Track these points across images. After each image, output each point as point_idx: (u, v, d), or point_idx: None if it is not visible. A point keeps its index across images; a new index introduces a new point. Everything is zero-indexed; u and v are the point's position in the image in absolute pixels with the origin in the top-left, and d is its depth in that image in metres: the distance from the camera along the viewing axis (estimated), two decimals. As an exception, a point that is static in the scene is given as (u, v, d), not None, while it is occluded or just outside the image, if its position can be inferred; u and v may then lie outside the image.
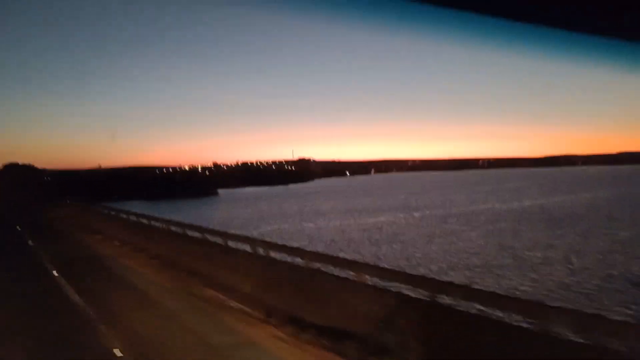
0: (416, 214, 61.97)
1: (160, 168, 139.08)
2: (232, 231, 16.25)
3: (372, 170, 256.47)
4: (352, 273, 7.85)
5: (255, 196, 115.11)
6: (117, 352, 7.41)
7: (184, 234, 15.43)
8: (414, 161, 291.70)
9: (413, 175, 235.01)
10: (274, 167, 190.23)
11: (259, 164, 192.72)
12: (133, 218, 20.68)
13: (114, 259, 16.14)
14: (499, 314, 5.51)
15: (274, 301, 8.98)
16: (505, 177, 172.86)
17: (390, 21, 2.77)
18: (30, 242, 20.88)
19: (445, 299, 6.07)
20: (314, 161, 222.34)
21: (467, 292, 6.05)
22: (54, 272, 14.05)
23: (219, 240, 13.02)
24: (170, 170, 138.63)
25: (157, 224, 17.96)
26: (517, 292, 21.97)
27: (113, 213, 24.32)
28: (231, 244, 12.36)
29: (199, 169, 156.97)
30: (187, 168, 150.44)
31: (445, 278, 24.66)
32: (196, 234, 14.52)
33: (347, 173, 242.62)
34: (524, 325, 4.89)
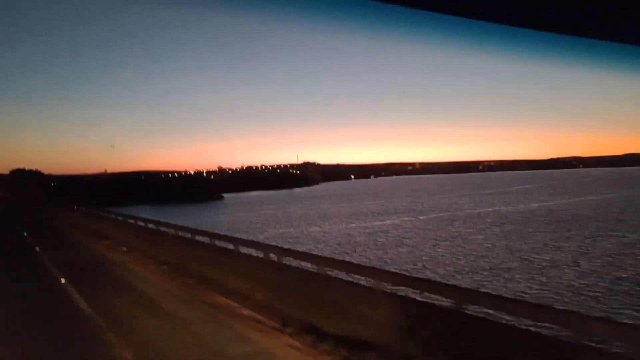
0: (422, 217, 61.77)
1: (166, 173, 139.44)
2: (240, 236, 16.14)
3: (372, 176, 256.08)
4: (370, 280, 7.63)
5: (261, 200, 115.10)
6: (130, 363, 7.26)
7: (192, 239, 15.25)
8: (414, 164, 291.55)
9: (415, 179, 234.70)
10: (278, 171, 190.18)
11: (263, 168, 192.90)
12: (141, 223, 20.52)
13: (123, 265, 15.99)
14: (530, 324, 5.28)
15: (288, 309, 8.78)
16: (509, 179, 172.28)
17: (392, 26, 2.78)
18: (37, 248, 20.75)
19: (473, 308, 5.85)
20: (318, 165, 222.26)
21: (496, 300, 5.82)
22: (62, 280, 13.88)
23: (228, 245, 12.82)
24: (176, 174, 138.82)
25: (165, 230, 17.78)
26: (526, 296, 21.76)
27: (120, 218, 24.16)
28: (242, 249, 12.15)
29: (204, 174, 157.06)
30: (192, 172, 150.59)
31: (453, 281, 24.50)
32: (205, 240, 14.33)
33: (352, 177, 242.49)
34: (561, 336, 4.66)
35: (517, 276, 27.38)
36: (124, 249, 19.10)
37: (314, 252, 13.75)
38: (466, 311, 5.76)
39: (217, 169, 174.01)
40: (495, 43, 2.76)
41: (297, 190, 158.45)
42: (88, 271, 15.61)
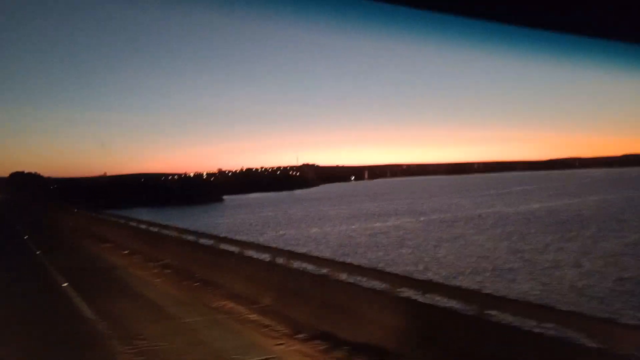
0: (422, 218, 61.65)
1: (166, 175, 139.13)
2: (243, 238, 15.92)
3: (366, 174, 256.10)
4: (384, 285, 7.39)
5: (260, 202, 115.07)
6: (136, 372, 7.02)
7: (196, 242, 15.01)
8: (409, 165, 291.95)
9: (413, 180, 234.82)
10: (278, 173, 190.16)
11: (263, 170, 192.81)
12: (142, 226, 20.30)
13: (125, 269, 15.74)
14: (558, 332, 5.04)
15: (298, 314, 8.52)
16: (508, 180, 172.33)
17: (390, 28, 2.76)
18: (37, 252, 20.51)
19: (495, 315, 5.61)
20: (318, 166, 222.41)
21: (519, 307, 5.59)
22: (63, 284, 13.63)
23: (234, 248, 12.57)
24: (176, 177, 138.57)
25: (168, 232, 17.55)
26: (530, 297, 21.55)
27: (122, 221, 23.93)
28: (247, 252, 11.91)
29: (204, 176, 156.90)
30: (192, 175, 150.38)
31: (454, 283, 24.33)
32: (209, 242, 14.09)
33: (352, 178, 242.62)
34: (593, 346, 4.43)
35: (520, 277, 27.26)
36: (126, 252, 18.86)
37: (320, 255, 13.52)
38: (489, 318, 5.54)
39: (217, 171, 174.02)
40: (494, 43, 2.72)
41: (296, 192, 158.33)
42: (89, 274, 15.36)
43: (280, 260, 10.25)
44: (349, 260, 28.61)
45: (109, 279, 14.53)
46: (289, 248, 15.63)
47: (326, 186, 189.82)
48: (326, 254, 32.73)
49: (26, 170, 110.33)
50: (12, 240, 26.07)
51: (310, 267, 9.65)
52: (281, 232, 52.54)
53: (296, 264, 9.85)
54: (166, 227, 18.37)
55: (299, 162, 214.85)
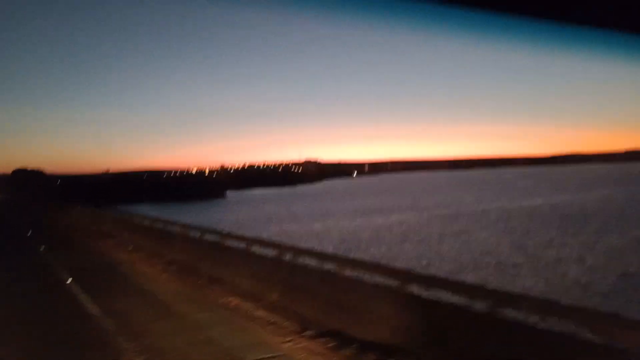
0: (425, 213, 61.58)
1: (169, 171, 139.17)
2: (247, 233, 15.81)
3: (368, 169, 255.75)
4: (392, 281, 7.31)
5: (263, 198, 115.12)
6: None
7: (201, 238, 14.94)
8: (411, 161, 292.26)
9: (415, 175, 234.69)
10: (280, 169, 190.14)
11: (266, 166, 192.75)
12: (146, 222, 20.25)
13: (130, 265, 15.71)
14: (575, 329, 4.95)
15: (306, 311, 8.45)
16: (510, 176, 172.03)
17: (391, 24, 2.70)
18: (41, 248, 20.50)
19: (509, 312, 5.53)
20: (320, 162, 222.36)
21: (534, 303, 5.50)
22: (67, 280, 13.60)
23: (240, 244, 12.50)
24: (178, 173, 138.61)
25: (172, 228, 17.48)
26: (533, 292, 21.48)
27: (125, 217, 23.90)
28: (254, 248, 11.84)
29: (207, 172, 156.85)
30: (194, 171, 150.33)
31: (459, 278, 24.24)
32: (215, 238, 14.02)
33: (354, 174, 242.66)
34: (618, 346, 4.34)
35: (523, 272, 27.21)
36: (130, 248, 18.83)
37: (325, 251, 13.47)
38: (502, 315, 5.46)
39: (220, 167, 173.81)
40: (495, 37, 2.64)
41: (299, 187, 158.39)
42: (93, 270, 15.35)
43: (286, 256, 10.16)
44: (352, 255, 28.55)
45: (113, 274, 14.54)
46: (292, 244, 15.57)
47: (329, 182, 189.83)
48: (329, 249, 32.72)
49: (29, 167, 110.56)
50: (15, 236, 26.11)
51: (315, 262, 9.55)
52: (284, 228, 52.51)
53: (302, 260, 9.76)
54: (170, 223, 18.31)
55: (302, 158, 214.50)
